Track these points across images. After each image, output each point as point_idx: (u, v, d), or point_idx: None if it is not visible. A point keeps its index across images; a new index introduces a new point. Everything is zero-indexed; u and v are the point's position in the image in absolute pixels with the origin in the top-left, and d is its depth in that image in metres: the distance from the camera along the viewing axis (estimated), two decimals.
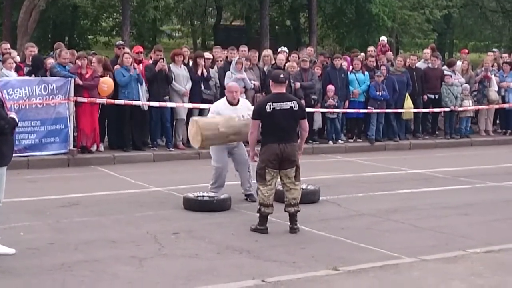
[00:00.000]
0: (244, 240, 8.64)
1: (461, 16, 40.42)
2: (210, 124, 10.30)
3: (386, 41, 22.15)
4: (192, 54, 16.84)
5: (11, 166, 13.06)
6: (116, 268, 7.36)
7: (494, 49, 21.58)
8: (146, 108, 15.12)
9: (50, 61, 14.83)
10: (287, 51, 18.26)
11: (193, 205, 10.18)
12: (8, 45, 15.48)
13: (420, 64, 19.21)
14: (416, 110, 18.38)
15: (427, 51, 20.03)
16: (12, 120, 7.88)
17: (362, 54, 19.82)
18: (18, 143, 13.67)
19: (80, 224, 9.30)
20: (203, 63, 15.84)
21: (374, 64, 18.31)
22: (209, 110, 15.76)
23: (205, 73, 15.80)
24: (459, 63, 19.89)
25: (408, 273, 7.14)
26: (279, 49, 18.27)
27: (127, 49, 16.22)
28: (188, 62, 16.28)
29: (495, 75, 19.69)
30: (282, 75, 9.38)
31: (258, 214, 9.05)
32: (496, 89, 19.50)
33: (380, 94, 17.38)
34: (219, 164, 10.71)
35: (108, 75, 14.84)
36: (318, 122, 17.24)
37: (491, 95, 19.38)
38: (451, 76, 18.77)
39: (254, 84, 16.10)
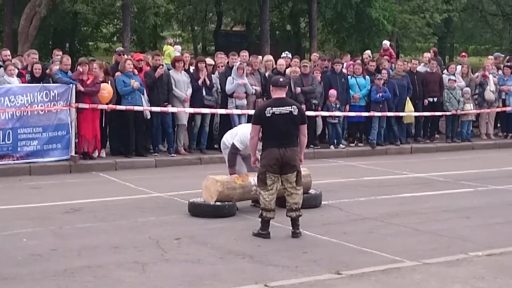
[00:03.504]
0: (246, 245, 8.65)
1: (461, 19, 40.46)
2: (230, 183, 10.23)
3: (388, 45, 22.14)
4: (192, 60, 16.87)
5: (13, 172, 13.30)
6: (119, 273, 7.38)
7: (499, 54, 21.43)
8: (149, 116, 15.19)
9: (55, 68, 14.85)
10: (291, 56, 18.29)
11: (203, 211, 10.09)
12: (8, 52, 15.51)
13: (421, 68, 19.22)
14: (417, 114, 18.39)
15: (427, 55, 20.04)
16: None
17: (368, 52, 19.85)
18: (20, 149, 13.74)
19: (83, 230, 9.32)
20: (204, 68, 15.87)
21: (374, 68, 18.33)
22: (215, 116, 15.94)
23: (207, 82, 15.84)
24: (459, 67, 19.85)
25: (410, 277, 7.15)
26: (282, 54, 18.28)
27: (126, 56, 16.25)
28: (189, 67, 16.31)
29: (493, 76, 19.66)
30: (281, 79, 9.41)
31: (260, 219, 9.07)
32: (493, 89, 19.32)
33: (381, 95, 17.34)
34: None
35: (109, 81, 14.87)
36: (319, 127, 17.28)
37: (486, 95, 19.27)
38: (455, 80, 18.77)
39: (255, 90, 16.13)
